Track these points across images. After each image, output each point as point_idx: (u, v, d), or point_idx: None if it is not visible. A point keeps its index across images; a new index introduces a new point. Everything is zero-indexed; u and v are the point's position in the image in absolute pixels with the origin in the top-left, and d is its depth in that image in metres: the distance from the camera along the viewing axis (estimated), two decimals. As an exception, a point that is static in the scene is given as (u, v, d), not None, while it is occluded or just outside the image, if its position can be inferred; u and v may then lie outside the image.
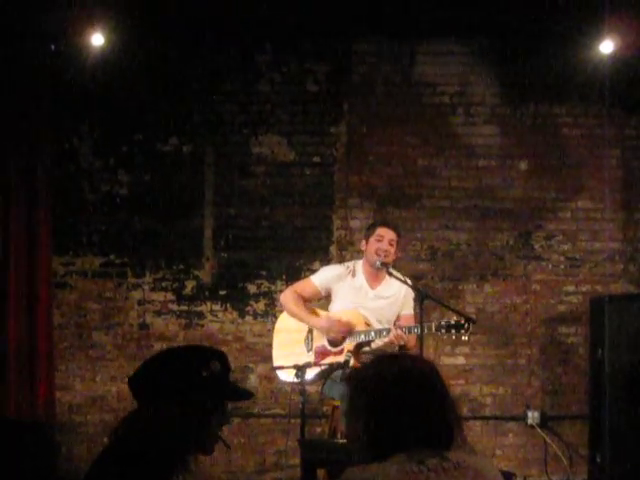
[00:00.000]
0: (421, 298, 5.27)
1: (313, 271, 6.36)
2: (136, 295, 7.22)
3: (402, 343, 5.33)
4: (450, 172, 7.32)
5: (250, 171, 7.30)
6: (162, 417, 2.37)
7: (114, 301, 7.22)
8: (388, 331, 5.42)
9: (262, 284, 7.23)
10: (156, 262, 7.22)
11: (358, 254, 6.24)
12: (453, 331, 5.26)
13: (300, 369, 5.05)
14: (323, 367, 5.45)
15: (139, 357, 6.83)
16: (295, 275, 7.01)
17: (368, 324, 5.58)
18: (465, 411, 6.94)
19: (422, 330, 5.23)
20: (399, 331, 5.35)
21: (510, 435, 7.20)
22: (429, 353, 6.47)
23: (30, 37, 6.51)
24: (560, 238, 7.30)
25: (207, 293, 7.23)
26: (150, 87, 7.16)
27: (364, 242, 5.71)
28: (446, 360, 7.10)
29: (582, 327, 7.19)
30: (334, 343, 5.59)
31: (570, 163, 7.34)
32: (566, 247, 7.30)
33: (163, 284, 7.22)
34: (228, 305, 7.23)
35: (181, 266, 7.23)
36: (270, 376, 6.75)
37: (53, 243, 6.93)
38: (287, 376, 5.34)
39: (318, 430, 6.70)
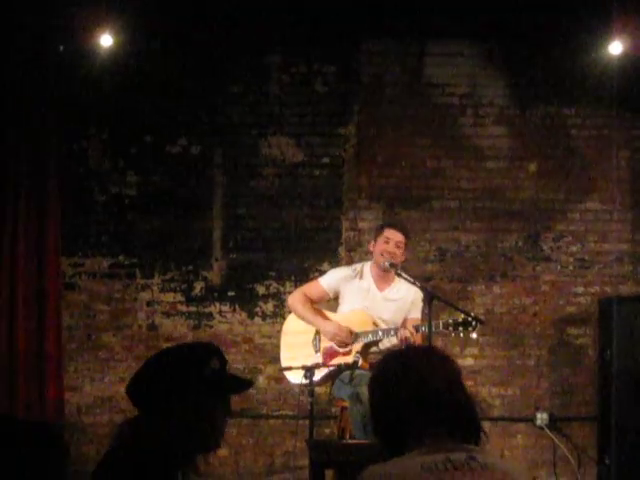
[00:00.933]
0: (429, 299, 5.25)
1: (322, 272, 6.37)
2: (145, 296, 7.22)
3: (410, 343, 5.32)
4: (459, 173, 7.32)
5: (259, 172, 7.30)
6: (168, 421, 2.37)
7: (123, 302, 7.22)
8: (395, 331, 5.42)
9: (271, 285, 7.23)
10: (165, 263, 7.23)
11: (367, 255, 6.24)
12: (461, 329, 5.26)
13: (308, 370, 5.05)
14: (331, 368, 5.45)
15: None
16: (304, 276, 7.01)
17: (376, 324, 5.58)
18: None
19: (430, 328, 5.18)
20: (406, 331, 5.35)
21: (519, 436, 7.19)
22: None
23: (39, 38, 6.53)
24: (569, 239, 7.29)
25: (216, 294, 7.23)
26: (159, 88, 7.17)
27: (372, 243, 5.71)
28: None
29: (591, 328, 7.18)
30: (342, 344, 5.60)
31: (579, 164, 7.33)
32: (575, 248, 7.29)
33: (172, 285, 7.23)
34: (237, 306, 7.23)
35: (190, 267, 7.24)
36: (279, 377, 6.73)
37: (62, 244, 6.93)
38: (296, 378, 5.33)
39: (327, 431, 6.72)
